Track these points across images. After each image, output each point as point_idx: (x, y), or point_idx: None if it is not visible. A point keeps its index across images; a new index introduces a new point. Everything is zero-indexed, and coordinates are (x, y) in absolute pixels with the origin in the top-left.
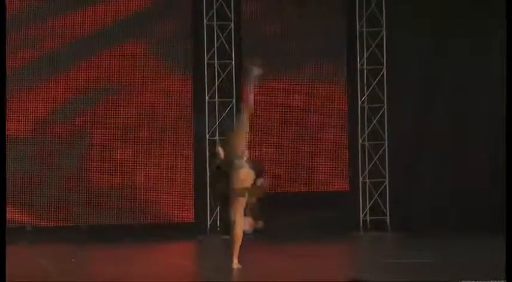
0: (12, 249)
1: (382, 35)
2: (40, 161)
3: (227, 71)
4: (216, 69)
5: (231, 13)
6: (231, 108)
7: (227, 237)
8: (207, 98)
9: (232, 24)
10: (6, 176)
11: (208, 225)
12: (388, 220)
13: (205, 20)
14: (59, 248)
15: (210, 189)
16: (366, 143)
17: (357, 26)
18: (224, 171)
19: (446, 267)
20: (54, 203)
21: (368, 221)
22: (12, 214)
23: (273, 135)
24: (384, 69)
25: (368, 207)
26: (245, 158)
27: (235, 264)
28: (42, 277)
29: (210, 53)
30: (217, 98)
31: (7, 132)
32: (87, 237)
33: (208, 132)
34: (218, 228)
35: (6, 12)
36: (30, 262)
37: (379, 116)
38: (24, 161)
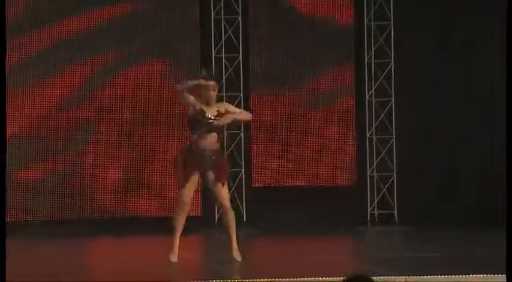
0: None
1: (390, 29)
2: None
3: (234, 65)
4: (223, 63)
5: (238, 7)
6: (239, 102)
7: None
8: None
9: (240, 18)
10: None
11: (216, 219)
12: (396, 214)
13: (212, 14)
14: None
15: None
16: (374, 137)
17: (365, 20)
18: None
19: (456, 261)
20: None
21: (376, 215)
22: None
23: (278, 129)
24: (392, 63)
25: (376, 201)
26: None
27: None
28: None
29: (218, 47)
30: (225, 92)
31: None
32: (95, 230)
33: None
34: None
35: (5, 13)
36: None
37: (386, 109)
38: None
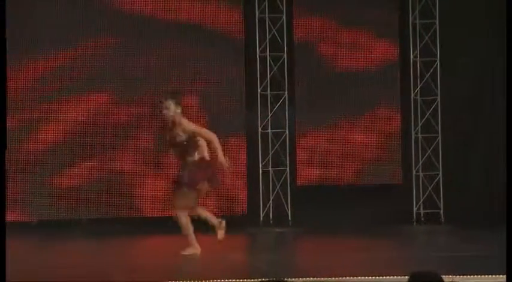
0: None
1: (436, 27)
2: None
3: (279, 63)
4: (268, 62)
5: (283, 5)
6: (283, 101)
7: (281, 230)
8: (259, 90)
9: (284, 17)
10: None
11: (261, 218)
12: (442, 213)
13: (257, 13)
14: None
15: None
16: (420, 136)
17: (410, 18)
18: None
19: (502, 260)
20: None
21: (422, 214)
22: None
23: (323, 127)
24: (438, 61)
25: (422, 200)
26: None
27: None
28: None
29: (262, 46)
30: (269, 91)
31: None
32: (137, 230)
33: (261, 125)
34: (271, 221)
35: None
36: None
37: (432, 108)
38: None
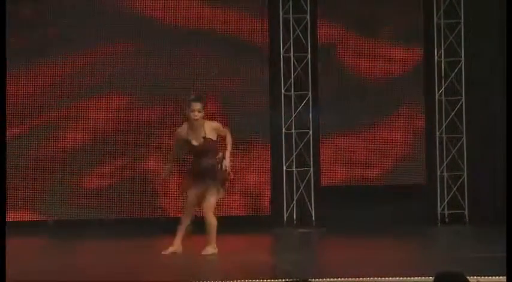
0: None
1: (460, 27)
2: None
3: (303, 64)
4: (292, 62)
5: (307, 5)
6: (307, 101)
7: (305, 230)
8: (283, 91)
9: (308, 17)
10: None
11: (285, 219)
12: (466, 214)
13: (281, 13)
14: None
15: None
16: (444, 136)
17: (435, 18)
18: None
19: None
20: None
21: (446, 215)
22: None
23: (347, 128)
24: (462, 61)
25: (446, 201)
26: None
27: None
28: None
29: (286, 46)
30: (293, 91)
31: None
32: (160, 230)
33: (285, 126)
34: (295, 222)
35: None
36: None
37: (456, 108)
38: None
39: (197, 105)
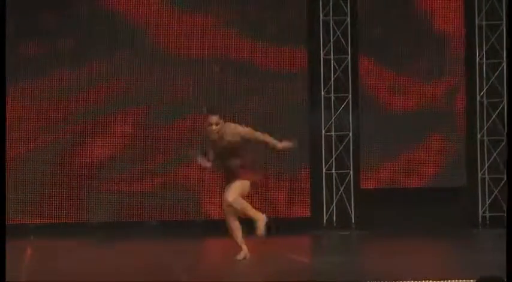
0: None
1: (502, 29)
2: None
3: (343, 66)
4: (332, 64)
5: (347, 7)
6: (347, 103)
7: (344, 232)
8: (323, 93)
9: (348, 19)
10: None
11: (325, 221)
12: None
13: (321, 15)
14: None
15: None
16: (485, 138)
17: (476, 20)
18: None
19: None
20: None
21: (487, 217)
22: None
23: (387, 130)
24: (504, 63)
25: (487, 203)
26: None
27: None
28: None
29: (326, 49)
30: (333, 93)
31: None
32: (201, 231)
33: (324, 128)
34: (334, 224)
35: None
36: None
37: (498, 110)
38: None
39: (214, 119)
